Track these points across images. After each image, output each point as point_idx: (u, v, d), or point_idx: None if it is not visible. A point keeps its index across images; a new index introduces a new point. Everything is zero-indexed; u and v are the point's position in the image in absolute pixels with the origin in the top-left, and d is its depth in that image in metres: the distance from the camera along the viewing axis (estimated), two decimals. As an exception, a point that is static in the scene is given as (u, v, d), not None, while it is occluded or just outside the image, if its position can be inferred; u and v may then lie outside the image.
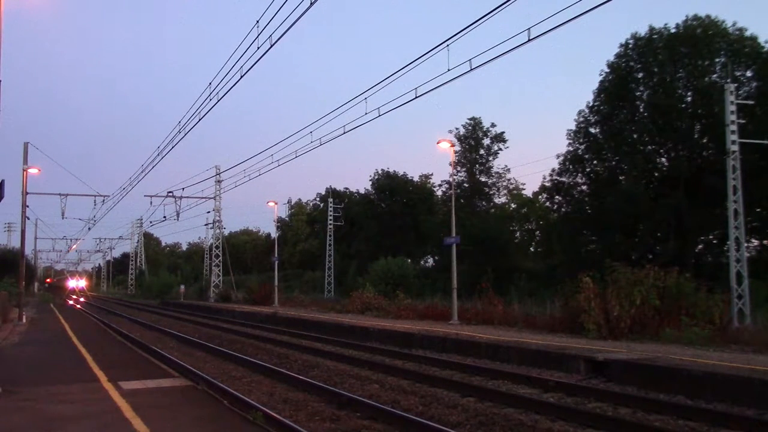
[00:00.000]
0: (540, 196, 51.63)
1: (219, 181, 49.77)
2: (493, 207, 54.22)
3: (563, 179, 42.59)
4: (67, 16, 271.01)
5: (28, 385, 10.61)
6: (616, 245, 35.97)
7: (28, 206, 30.50)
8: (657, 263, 20.14)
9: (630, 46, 38.69)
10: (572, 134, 41.79)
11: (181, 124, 24.18)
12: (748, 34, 36.11)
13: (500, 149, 52.84)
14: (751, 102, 30.02)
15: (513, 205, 56.97)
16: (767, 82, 34.16)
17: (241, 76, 16.17)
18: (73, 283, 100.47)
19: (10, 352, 16.53)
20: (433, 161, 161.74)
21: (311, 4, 11.92)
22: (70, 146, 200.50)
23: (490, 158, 53.10)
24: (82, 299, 71.21)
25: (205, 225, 57.95)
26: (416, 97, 16.63)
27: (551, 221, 47.36)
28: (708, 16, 36.96)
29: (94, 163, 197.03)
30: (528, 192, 56.70)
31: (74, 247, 71.55)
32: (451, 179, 34.03)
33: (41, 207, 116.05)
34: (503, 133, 52.43)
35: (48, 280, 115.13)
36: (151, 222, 51.42)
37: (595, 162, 40.99)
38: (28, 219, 33.03)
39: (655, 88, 37.75)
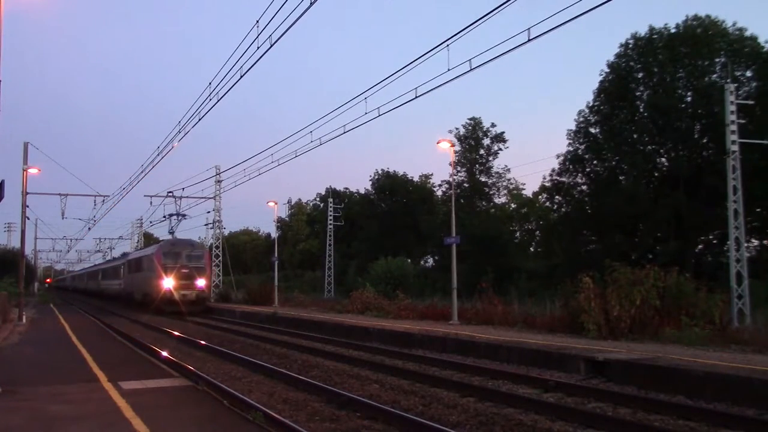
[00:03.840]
0: (540, 196, 51.79)
1: (219, 181, 49.70)
2: (493, 207, 54.31)
3: (563, 179, 42.70)
4: (67, 17, 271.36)
5: (28, 385, 10.60)
6: (616, 245, 36.04)
7: (28, 206, 30.49)
8: (657, 263, 20.13)
9: (630, 46, 38.77)
10: (572, 134, 41.92)
11: (181, 124, 24.20)
12: (748, 34, 36.25)
13: (500, 149, 53.09)
14: (751, 102, 30.05)
15: (513, 205, 57.05)
16: (767, 82, 34.19)
17: (241, 76, 16.22)
18: (169, 283, 36.37)
19: (10, 352, 16.51)
20: (433, 161, 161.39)
21: (311, 3, 11.94)
22: (70, 146, 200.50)
23: (490, 158, 53.29)
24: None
25: (205, 225, 57.87)
26: (416, 97, 16.68)
27: (551, 221, 47.43)
28: (708, 16, 37.11)
29: (94, 163, 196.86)
30: (528, 192, 56.91)
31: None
32: (451, 179, 34.04)
33: (41, 207, 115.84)
34: (503, 133, 52.72)
35: (48, 280, 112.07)
36: (151, 222, 51.29)
37: (595, 162, 41.06)
38: (28, 219, 33.05)
39: (655, 88, 37.81)
